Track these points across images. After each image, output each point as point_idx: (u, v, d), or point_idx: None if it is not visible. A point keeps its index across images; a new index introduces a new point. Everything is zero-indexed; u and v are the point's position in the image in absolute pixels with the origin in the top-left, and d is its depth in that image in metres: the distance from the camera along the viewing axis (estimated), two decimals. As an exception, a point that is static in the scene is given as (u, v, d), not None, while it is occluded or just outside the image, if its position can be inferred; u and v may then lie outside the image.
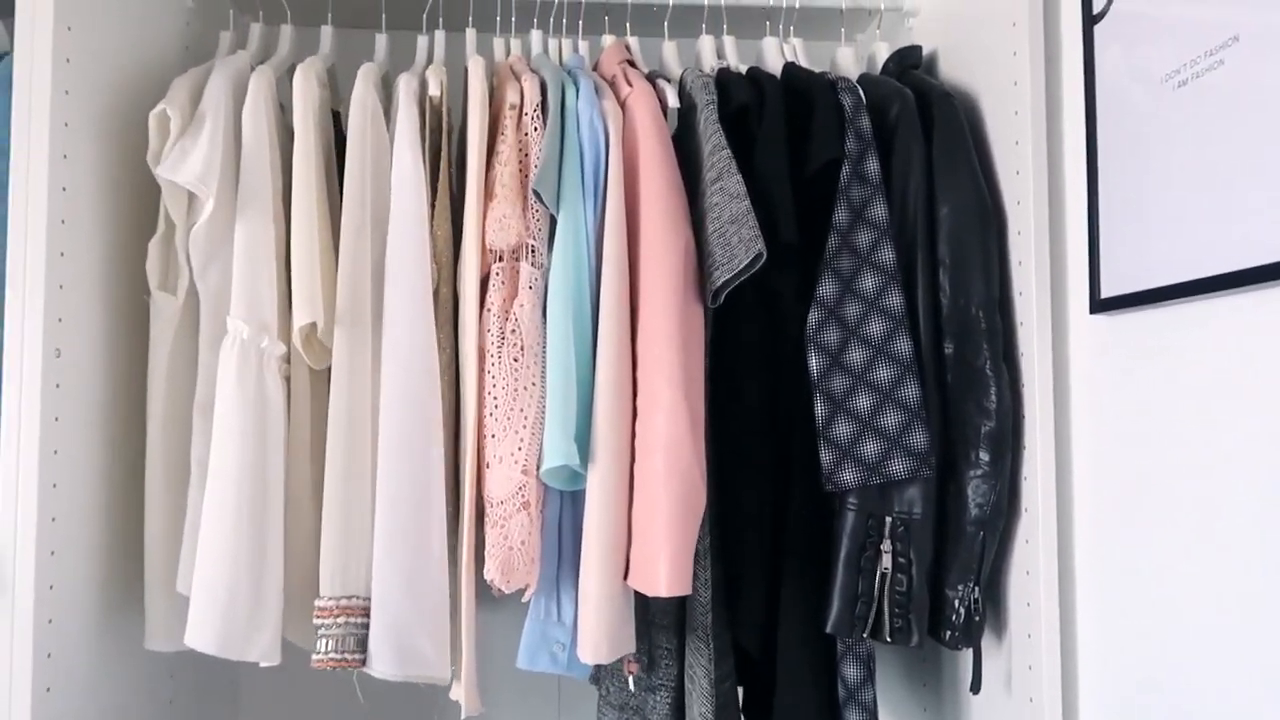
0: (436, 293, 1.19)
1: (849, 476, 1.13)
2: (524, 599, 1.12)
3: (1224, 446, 0.86)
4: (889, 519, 1.14)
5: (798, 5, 1.42)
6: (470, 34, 1.35)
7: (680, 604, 1.21)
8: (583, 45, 1.38)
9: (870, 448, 1.13)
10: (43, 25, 1.02)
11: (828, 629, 1.14)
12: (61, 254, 1.03)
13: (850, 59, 1.41)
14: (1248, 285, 0.82)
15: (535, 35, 1.37)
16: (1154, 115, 0.95)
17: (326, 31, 1.36)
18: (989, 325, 1.14)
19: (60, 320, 1.02)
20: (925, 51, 1.42)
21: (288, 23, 1.34)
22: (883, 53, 1.41)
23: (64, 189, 1.03)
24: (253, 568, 1.09)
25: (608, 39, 1.38)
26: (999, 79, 1.20)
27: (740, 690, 1.26)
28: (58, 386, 1.02)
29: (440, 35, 1.36)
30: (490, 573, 1.06)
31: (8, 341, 0.99)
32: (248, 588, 1.09)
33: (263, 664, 1.11)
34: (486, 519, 1.09)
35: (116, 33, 1.17)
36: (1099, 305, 1.03)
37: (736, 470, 1.20)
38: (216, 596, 1.08)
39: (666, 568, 1.06)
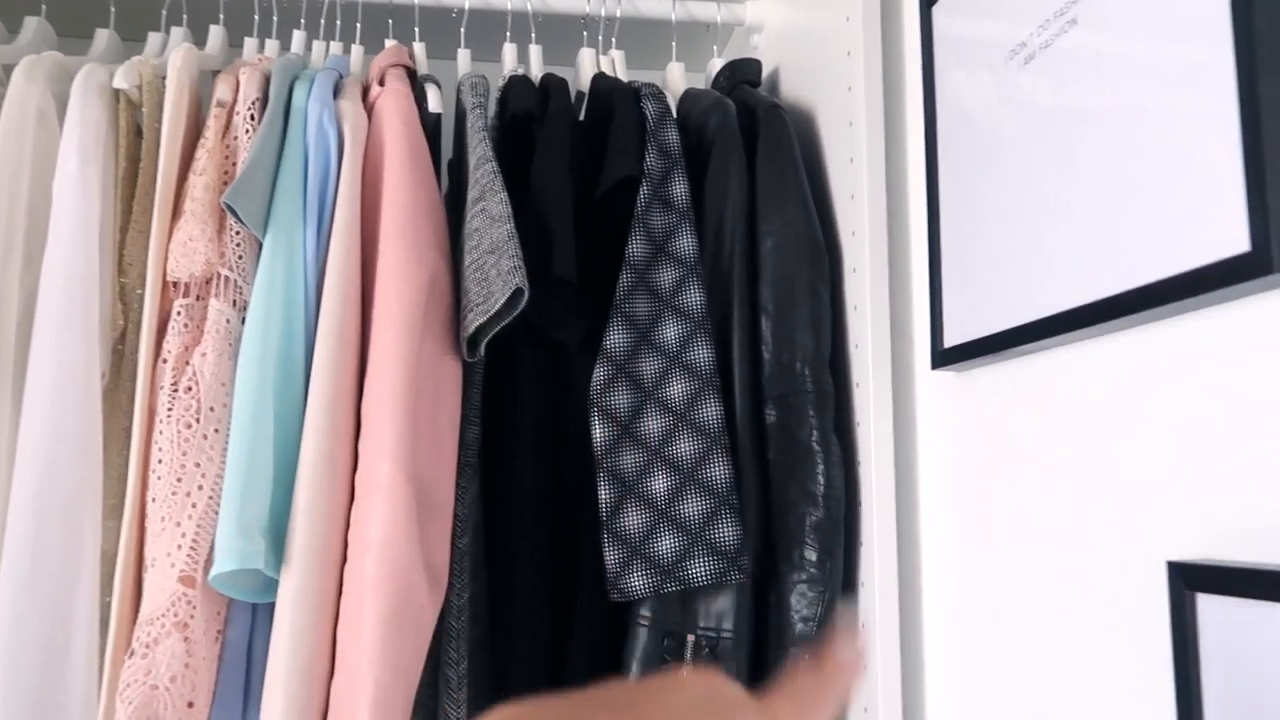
0: (123, 339, 0.92)
1: (638, 582, 0.87)
2: (186, 755, 0.82)
3: (1087, 533, 0.62)
4: (691, 638, 0.87)
5: (619, 14, 1.20)
6: (215, 31, 1.10)
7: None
8: (357, 50, 1.14)
9: (666, 544, 0.87)
10: None
11: (609, 788, 0.85)
12: None
13: (679, 75, 1.19)
14: (1113, 320, 0.59)
15: (297, 36, 1.13)
16: (1000, 110, 0.73)
17: (30, 23, 1.10)
18: (817, 386, 0.90)
19: None
20: (768, 70, 1.21)
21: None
22: (718, 68, 1.19)
23: None
24: None
25: (390, 43, 1.14)
26: (835, 88, 0.99)
27: None
28: None
29: (180, 32, 1.11)
30: (122, 722, 0.76)
31: None
32: None
33: None
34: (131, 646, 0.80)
35: None
36: (941, 358, 0.79)
37: (508, 574, 0.93)
38: None
39: (369, 708, 0.77)
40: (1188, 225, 0.53)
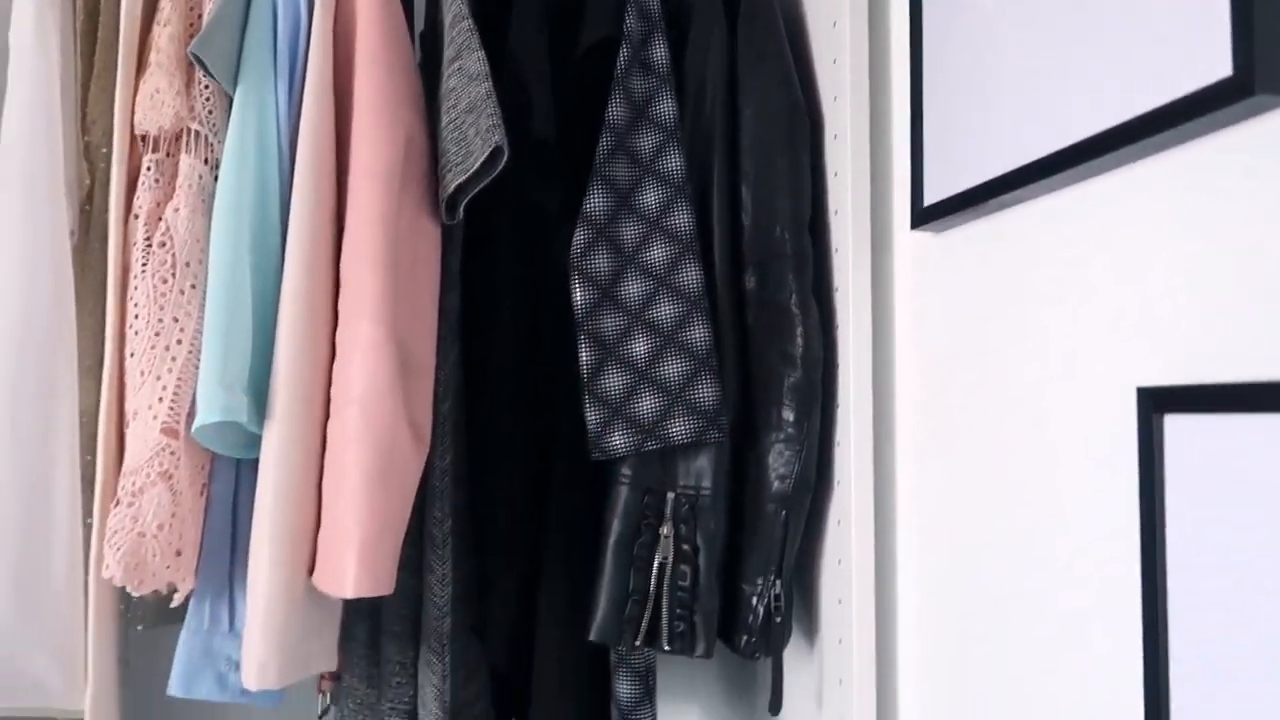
0: (90, 199, 0.90)
1: (619, 441, 0.88)
2: (173, 603, 0.83)
3: (1062, 372, 0.64)
4: (671, 495, 0.90)
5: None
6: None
7: (418, 606, 0.94)
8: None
9: (646, 404, 0.88)
10: None
11: (591, 636, 0.88)
12: None
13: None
14: (1088, 162, 0.60)
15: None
16: (986, -41, 0.72)
17: None
18: (796, 250, 0.90)
19: None
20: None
21: None
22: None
23: None
24: None
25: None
26: (819, -48, 0.97)
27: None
28: None
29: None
30: (111, 568, 0.77)
31: None
32: None
33: None
34: (115, 494, 0.80)
35: None
36: (920, 216, 0.80)
37: (487, 436, 0.94)
38: None
39: (357, 559, 0.78)
40: (1169, 52, 0.54)
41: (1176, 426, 0.53)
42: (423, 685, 0.92)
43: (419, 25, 1.07)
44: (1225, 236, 0.52)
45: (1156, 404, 0.55)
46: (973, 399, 0.76)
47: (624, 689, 0.94)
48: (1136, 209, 0.58)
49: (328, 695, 0.95)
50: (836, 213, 0.91)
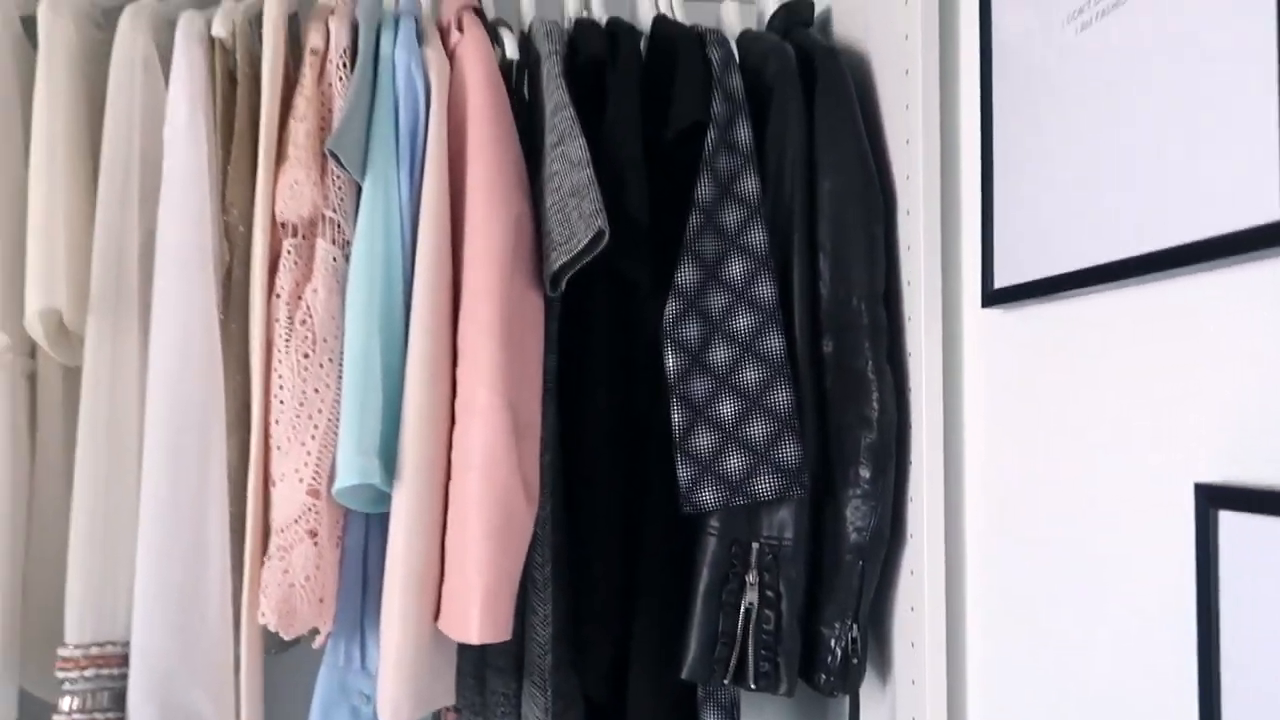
0: (229, 275, 1.00)
1: (709, 496, 0.96)
2: (315, 644, 0.93)
3: (1123, 459, 0.71)
4: (755, 545, 0.98)
5: (674, -48, 1.24)
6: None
7: (520, 642, 1.03)
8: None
9: (734, 463, 0.96)
10: None
11: (683, 674, 0.97)
12: None
13: (734, 14, 1.23)
14: (1156, 272, 0.67)
15: (368, -24, 1.17)
16: (1055, 68, 0.79)
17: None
18: (872, 320, 0.98)
19: None
20: (819, 10, 1.25)
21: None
22: (773, 8, 1.24)
23: None
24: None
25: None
26: (890, 36, 1.04)
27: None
28: None
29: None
30: (265, 615, 0.87)
31: None
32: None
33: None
34: (268, 549, 0.90)
35: None
36: (991, 298, 0.87)
37: (585, 488, 1.03)
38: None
39: (480, 609, 0.88)
40: (1226, 189, 0.60)
41: (1232, 523, 0.60)
42: (525, 715, 1.01)
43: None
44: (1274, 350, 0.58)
45: (1213, 500, 0.62)
46: (1038, 469, 0.83)
47: (712, 722, 1.02)
48: (1202, 312, 0.65)
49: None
50: (909, 284, 0.98)
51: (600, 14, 1.17)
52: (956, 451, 0.96)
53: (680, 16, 1.20)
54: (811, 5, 1.20)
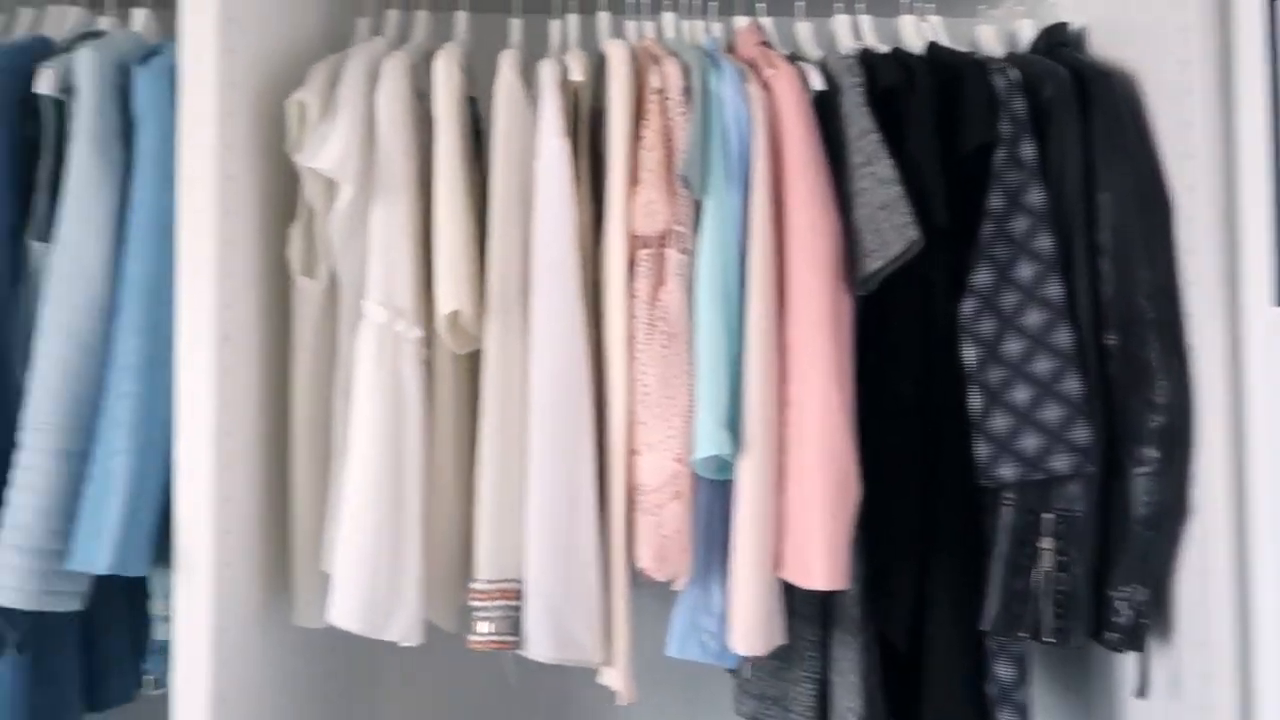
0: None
1: (1008, 471, 1.10)
2: (673, 587, 1.12)
3: None
4: (1048, 516, 1.11)
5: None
6: (604, 18, 1.34)
7: (822, 595, 1.19)
8: (715, 27, 1.35)
9: (1030, 441, 1.10)
10: (209, 18, 1.03)
11: (986, 627, 1.11)
12: (228, 242, 1.04)
13: (992, 37, 1.36)
14: None
15: (668, 18, 1.35)
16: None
17: (461, 17, 1.35)
18: (1158, 315, 1.09)
19: (228, 307, 1.04)
20: (1072, 27, 1.36)
21: (423, 9, 1.34)
22: (1025, 30, 1.36)
23: (230, 178, 1.05)
24: (391, 549, 1.10)
25: (739, 20, 1.35)
26: (1162, 56, 1.15)
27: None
28: (226, 371, 1.04)
29: (574, 19, 1.34)
30: (644, 560, 1.06)
31: (181, 329, 1.02)
32: (387, 569, 1.10)
33: (402, 644, 1.12)
34: (637, 506, 1.09)
35: (269, 22, 1.18)
36: (1286, 295, 0.98)
37: (885, 462, 1.17)
38: (355, 576, 1.09)
39: (823, 560, 1.04)
40: None
41: None
42: (839, 659, 1.17)
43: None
44: None
45: None
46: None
47: (1004, 671, 1.16)
48: None
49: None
50: (1192, 284, 1.09)
51: (872, 44, 1.31)
52: (1242, 437, 1.07)
53: (944, 40, 1.33)
54: (1067, 27, 1.32)
